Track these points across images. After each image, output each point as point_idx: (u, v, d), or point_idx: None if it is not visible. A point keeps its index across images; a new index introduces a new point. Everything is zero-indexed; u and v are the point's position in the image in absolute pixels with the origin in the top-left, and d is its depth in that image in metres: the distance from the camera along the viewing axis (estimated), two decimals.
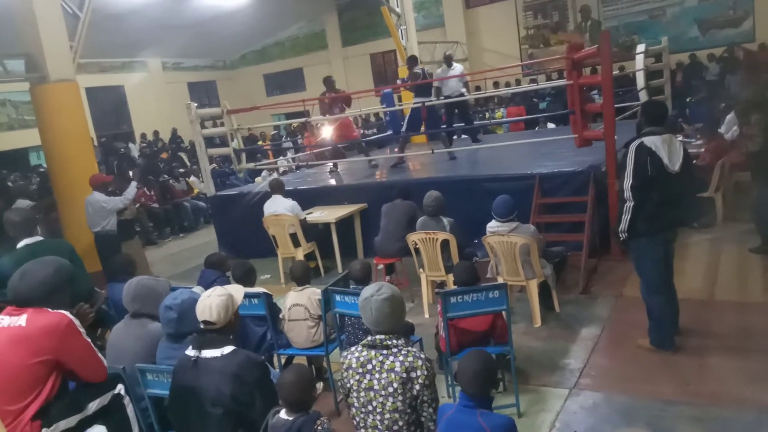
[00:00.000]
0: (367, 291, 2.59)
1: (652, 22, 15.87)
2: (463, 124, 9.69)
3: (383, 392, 2.47)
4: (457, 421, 2.44)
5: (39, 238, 4.04)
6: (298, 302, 4.14)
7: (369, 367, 2.51)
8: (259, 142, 15.68)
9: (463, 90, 9.32)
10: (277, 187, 7.11)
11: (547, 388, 3.96)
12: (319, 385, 4.29)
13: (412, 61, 9.48)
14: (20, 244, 3.98)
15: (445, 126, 9.38)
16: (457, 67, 9.32)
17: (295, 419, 2.46)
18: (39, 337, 2.51)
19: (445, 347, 3.87)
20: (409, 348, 2.52)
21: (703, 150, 7.36)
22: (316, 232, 7.09)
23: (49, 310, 2.58)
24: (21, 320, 2.55)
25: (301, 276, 4.34)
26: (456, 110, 9.41)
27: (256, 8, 17.04)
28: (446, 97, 9.00)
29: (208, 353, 2.63)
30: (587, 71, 12.06)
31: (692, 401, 3.58)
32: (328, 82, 9.12)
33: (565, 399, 3.80)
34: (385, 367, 2.48)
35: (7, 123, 14.99)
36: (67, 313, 2.61)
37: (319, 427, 2.45)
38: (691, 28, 15.51)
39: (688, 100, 13.04)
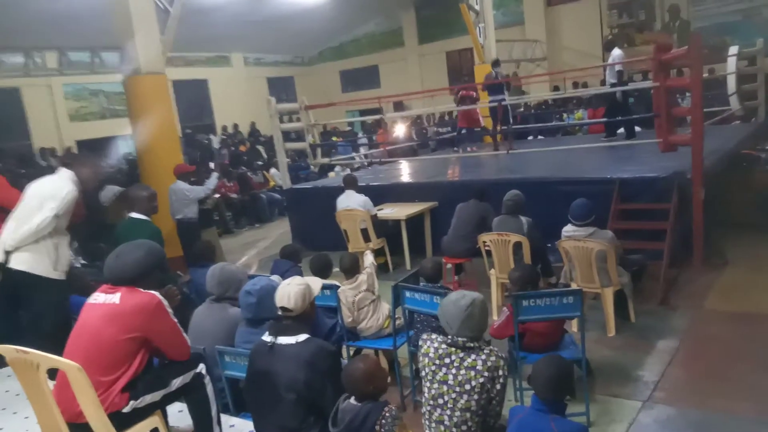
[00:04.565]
0: (454, 296, 2.63)
1: (746, 23, 14.97)
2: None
3: (458, 388, 2.46)
4: (529, 423, 2.42)
5: (143, 216, 4.77)
6: (361, 289, 4.20)
7: (447, 361, 2.51)
8: (334, 138, 15.92)
9: (613, 80, 8.72)
10: (350, 183, 7.21)
11: (619, 399, 3.85)
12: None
13: (495, 63, 10.93)
14: (131, 215, 4.82)
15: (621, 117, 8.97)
16: (614, 53, 8.83)
17: (364, 405, 2.50)
18: (131, 314, 2.66)
19: (497, 334, 3.82)
20: (491, 347, 2.51)
21: None
22: (386, 229, 7.15)
23: (141, 290, 2.73)
24: (115, 298, 2.70)
25: (351, 266, 4.35)
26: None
27: (335, 5, 17.30)
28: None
29: (283, 340, 2.72)
30: (673, 73, 11.54)
31: None
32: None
33: (638, 411, 3.68)
34: (465, 364, 2.47)
35: (99, 112, 15.87)
36: (156, 293, 2.75)
37: (387, 414, 2.45)
38: None
39: None
